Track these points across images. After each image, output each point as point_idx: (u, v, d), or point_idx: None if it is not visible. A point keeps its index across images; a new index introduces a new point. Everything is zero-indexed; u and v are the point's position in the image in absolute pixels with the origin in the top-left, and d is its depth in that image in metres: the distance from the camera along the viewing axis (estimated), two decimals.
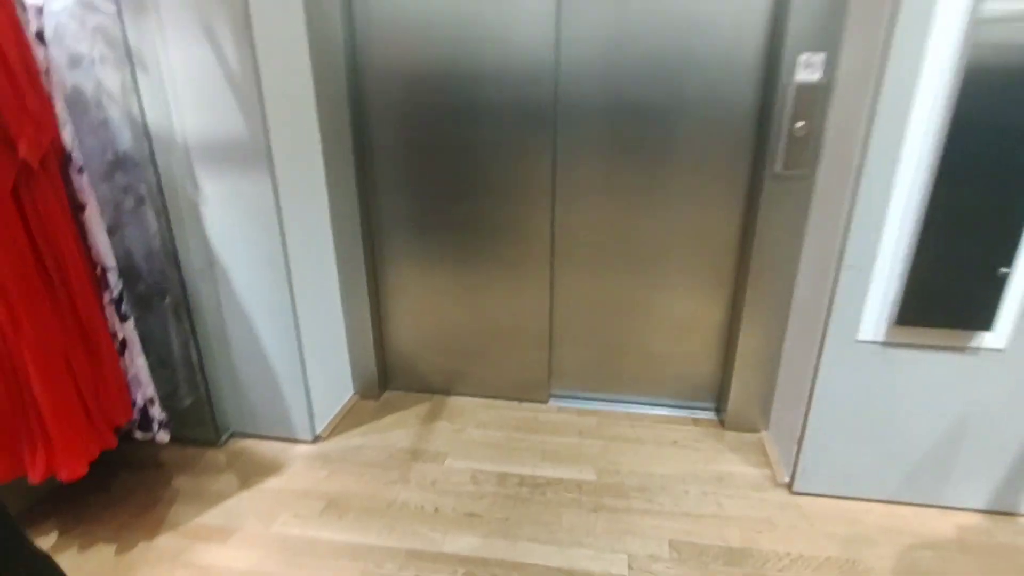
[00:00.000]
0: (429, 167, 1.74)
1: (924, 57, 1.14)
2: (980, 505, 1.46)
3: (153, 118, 1.45)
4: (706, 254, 1.70)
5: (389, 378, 2.07)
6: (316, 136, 1.67)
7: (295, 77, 1.55)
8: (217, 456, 1.73)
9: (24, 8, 1.17)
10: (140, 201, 1.53)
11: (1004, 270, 1.22)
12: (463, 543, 1.38)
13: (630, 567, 1.30)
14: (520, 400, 1.99)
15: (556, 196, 1.71)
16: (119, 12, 1.36)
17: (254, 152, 1.44)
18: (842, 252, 1.29)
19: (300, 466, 1.68)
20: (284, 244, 1.53)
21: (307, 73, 1.61)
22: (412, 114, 1.69)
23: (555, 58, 1.56)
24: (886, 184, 1.23)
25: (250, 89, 1.38)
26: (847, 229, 1.27)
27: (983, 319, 1.27)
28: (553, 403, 1.98)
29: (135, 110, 1.44)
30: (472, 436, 1.81)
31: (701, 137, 1.57)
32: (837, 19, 1.35)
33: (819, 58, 1.38)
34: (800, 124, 1.42)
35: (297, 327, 1.62)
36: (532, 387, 1.96)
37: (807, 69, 1.39)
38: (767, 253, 1.57)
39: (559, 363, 1.94)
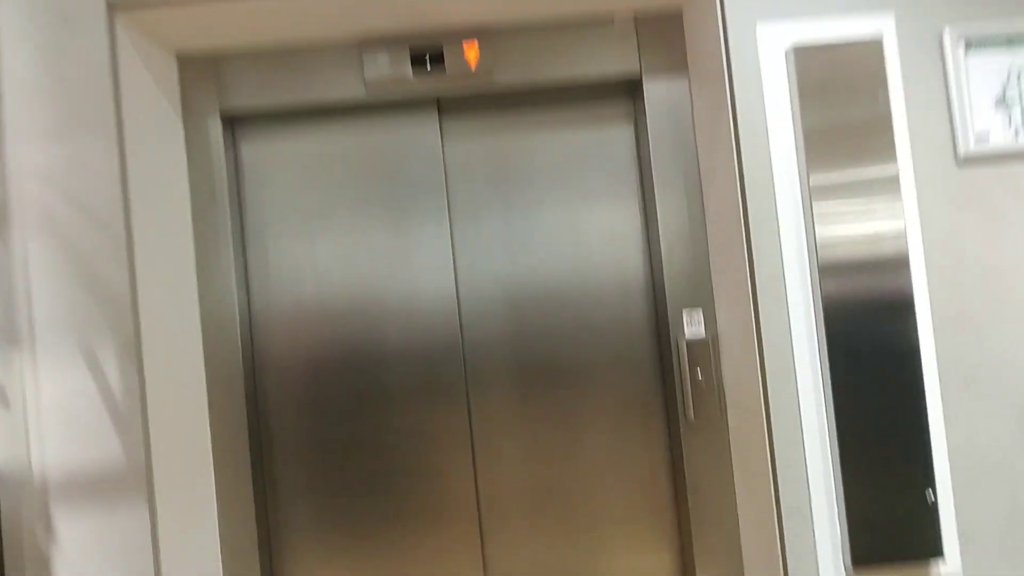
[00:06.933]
0: (336, 462, 1.60)
1: (788, 302, 1.29)
2: None
3: (6, 460, 1.25)
4: (644, 514, 1.61)
5: None
6: (207, 446, 1.51)
7: (185, 389, 1.46)
8: None
9: None
10: None
11: (930, 491, 1.25)
12: None
13: None
14: None
15: (477, 474, 1.61)
16: None
17: (131, 482, 1.25)
18: (777, 499, 1.27)
19: None
20: None
21: (200, 380, 1.52)
22: (315, 404, 1.61)
23: (459, 327, 1.60)
24: (795, 425, 1.28)
25: (133, 414, 1.26)
26: (774, 475, 1.27)
27: (931, 546, 1.24)
28: None
29: None
30: None
31: (612, 396, 1.61)
32: (705, 280, 1.53)
33: (698, 314, 1.52)
34: (699, 375, 1.51)
35: None
36: None
37: (691, 326, 1.53)
38: (703, 507, 1.51)
39: None
